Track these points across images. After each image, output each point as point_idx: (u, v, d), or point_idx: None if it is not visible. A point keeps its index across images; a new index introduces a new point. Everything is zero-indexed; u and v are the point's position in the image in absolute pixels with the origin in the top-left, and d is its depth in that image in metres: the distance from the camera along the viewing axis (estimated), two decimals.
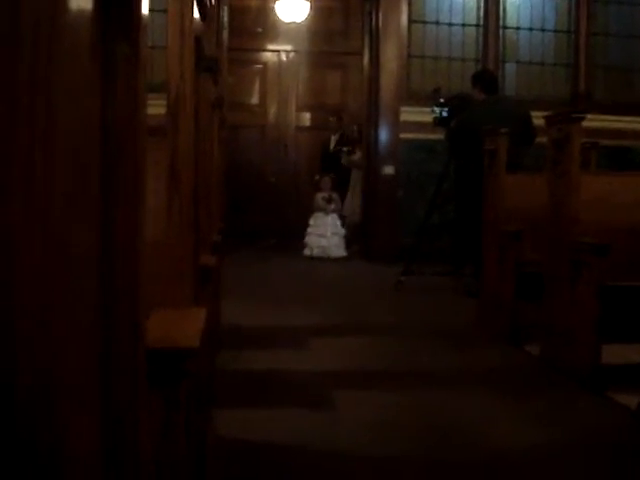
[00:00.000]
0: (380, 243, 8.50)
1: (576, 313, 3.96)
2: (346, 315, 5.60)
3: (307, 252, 8.97)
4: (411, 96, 8.51)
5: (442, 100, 6.91)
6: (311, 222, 9.11)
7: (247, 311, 5.47)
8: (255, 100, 10.19)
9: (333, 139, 9.82)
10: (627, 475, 2.81)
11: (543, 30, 8.95)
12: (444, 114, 6.81)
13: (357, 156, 9.44)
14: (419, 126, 7.97)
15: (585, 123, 4.13)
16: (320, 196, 9.09)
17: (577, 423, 3.31)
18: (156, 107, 1.60)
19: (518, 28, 8.91)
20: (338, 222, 9.14)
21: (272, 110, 10.10)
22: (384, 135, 8.66)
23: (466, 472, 2.81)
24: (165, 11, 1.76)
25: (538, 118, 6.20)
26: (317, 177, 9.35)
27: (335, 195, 9.14)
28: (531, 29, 8.93)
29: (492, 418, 3.38)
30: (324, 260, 8.78)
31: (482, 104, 6.48)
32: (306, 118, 9.81)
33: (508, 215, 4.98)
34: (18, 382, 0.49)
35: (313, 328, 5.09)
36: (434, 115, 6.88)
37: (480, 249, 5.46)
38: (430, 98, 7.07)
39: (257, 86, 10.18)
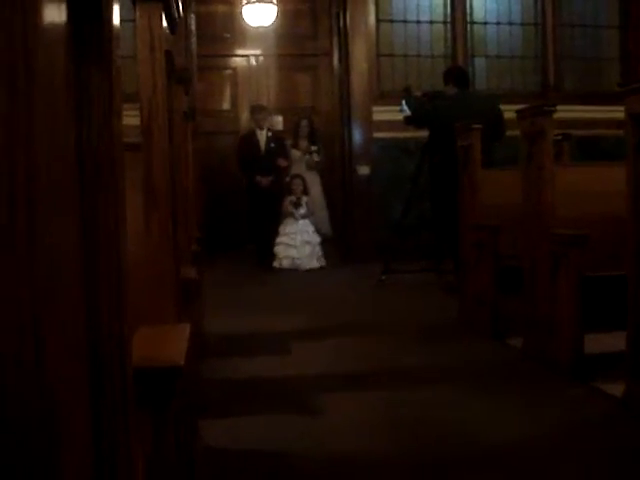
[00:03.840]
0: (358, 243, 8.50)
1: (557, 305, 3.99)
2: (328, 317, 5.59)
3: (276, 264, 8.21)
4: (382, 95, 8.53)
5: (416, 94, 6.92)
6: (280, 230, 8.32)
7: (230, 319, 5.45)
8: (227, 106, 10.16)
9: (263, 136, 8.67)
10: (618, 464, 2.82)
11: (510, 24, 9.01)
12: (410, 111, 6.83)
13: (320, 156, 8.81)
14: (392, 125, 7.98)
15: (556, 114, 4.16)
16: (289, 200, 8.31)
17: (565, 415, 3.33)
18: (127, 118, 1.59)
19: (485, 23, 8.95)
20: (310, 228, 8.30)
21: (244, 115, 10.07)
22: (357, 135, 8.67)
23: (458, 468, 2.82)
24: (132, 21, 1.75)
25: (509, 112, 6.24)
26: (287, 179, 8.52)
27: (306, 198, 8.32)
28: (498, 23, 8.98)
29: (480, 413, 3.39)
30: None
31: (454, 98, 6.51)
32: (279, 121, 9.78)
33: (485, 210, 5.00)
34: (7, 401, 0.49)
35: (296, 332, 5.08)
36: (404, 114, 6.90)
37: (458, 244, 5.49)
38: (401, 97, 7.08)
39: (228, 92, 10.15)
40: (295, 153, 8.82)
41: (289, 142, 8.90)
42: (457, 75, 6.82)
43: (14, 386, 0.49)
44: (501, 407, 3.47)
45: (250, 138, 8.73)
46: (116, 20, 0.79)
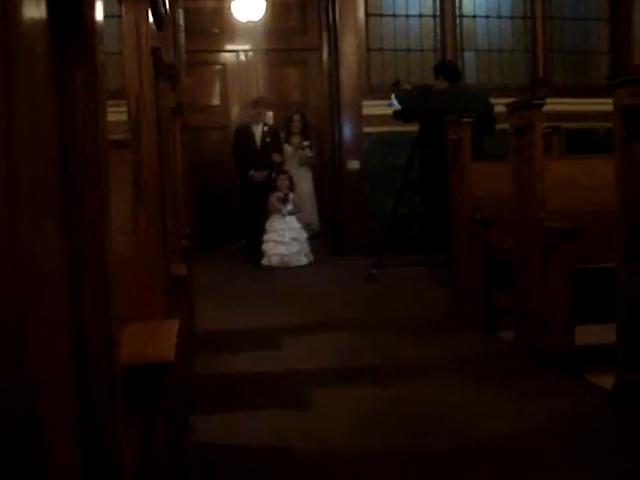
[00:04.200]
0: (349, 238, 8.49)
1: (548, 297, 4.00)
2: (319, 312, 5.59)
3: (265, 261, 8.05)
4: (372, 90, 8.52)
5: (406, 88, 6.93)
6: (267, 227, 8.16)
7: (220, 315, 5.44)
8: (216, 101, 10.14)
9: (259, 130, 8.54)
10: (609, 456, 2.84)
11: (499, 17, 9.00)
12: (399, 105, 6.83)
13: (313, 151, 8.71)
14: (382, 119, 7.97)
15: (546, 108, 4.17)
16: (275, 196, 8.13)
17: (556, 407, 3.34)
18: (114, 114, 1.58)
19: (475, 16, 8.95)
20: (297, 225, 8.17)
21: (234, 110, 10.05)
22: (347, 130, 8.66)
23: (451, 460, 2.83)
24: (117, 17, 1.74)
25: (499, 105, 6.25)
26: (273, 175, 8.31)
27: (292, 195, 8.17)
28: (488, 16, 8.97)
29: (472, 406, 3.40)
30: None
31: (444, 92, 6.52)
32: (269, 116, 9.76)
33: (475, 203, 5.00)
34: None
35: (287, 328, 5.08)
36: (393, 109, 6.89)
37: (449, 238, 5.49)
38: (390, 91, 7.07)
39: (217, 87, 10.12)
40: (287, 148, 8.68)
41: (282, 136, 8.74)
42: (448, 69, 6.83)
43: None
44: (493, 400, 3.48)
45: (245, 132, 8.61)
46: (99, 17, 0.79)
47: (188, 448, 2.41)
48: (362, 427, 3.18)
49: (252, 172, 8.33)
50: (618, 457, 2.82)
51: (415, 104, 6.74)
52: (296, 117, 8.77)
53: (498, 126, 6.29)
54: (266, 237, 8.13)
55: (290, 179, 8.25)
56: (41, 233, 0.55)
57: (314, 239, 8.52)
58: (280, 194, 8.12)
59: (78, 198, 0.74)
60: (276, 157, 8.46)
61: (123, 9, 1.55)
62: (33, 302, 0.52)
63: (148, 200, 1.67)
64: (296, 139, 8.71)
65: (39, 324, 0.54)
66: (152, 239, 1.65)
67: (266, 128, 8.59)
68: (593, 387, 3.57)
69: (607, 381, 3.46)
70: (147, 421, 1.27)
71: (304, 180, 8.70)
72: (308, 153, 8.66)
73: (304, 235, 8.21)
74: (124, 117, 1.74)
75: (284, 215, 8.11)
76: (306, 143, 8.64)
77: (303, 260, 8.10)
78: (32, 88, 0.54)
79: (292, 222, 8.14)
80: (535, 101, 4.13)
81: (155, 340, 1.32)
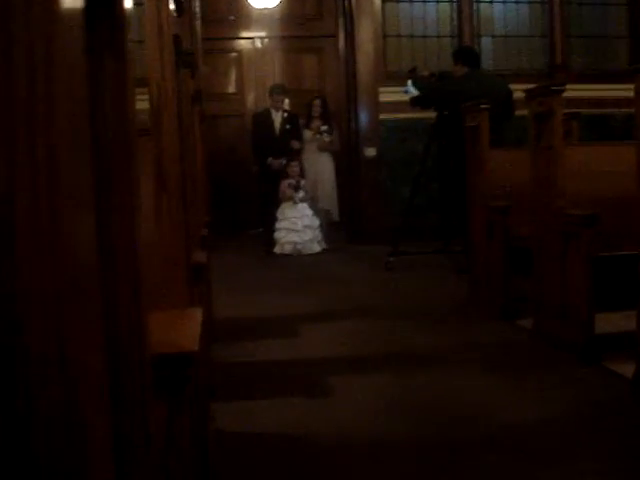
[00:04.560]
0: (366, 225, 8.47)
1: (568, 285, 3.97)
2: (337, 300, 5.59)
3: (277, 249, 8.00)
4: (389, 76, 8.47)
5: (423, 74, 6.89)
6: (279, 215, 8.07)
7: (235, 302, 5.45)
8: (232, 89, 10.14)
9: (278, 117, 8.47)
10: (630, 445, 2.82)
11: (517, 2, 8.93)
12: (415, 92, 6.79)
13: (333, 136, 8.57)
14: (398, 106, 7.92)
15: (564, 93, 4.13)
16: (286, 183, 8.05)
17: (577, 395, 3.33)
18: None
19: (492, 2, 8.88)
20: (309, 212, 8.09)
21: (250, 98, 10.05)
22: (364, 117, 8.63)
23: (471, 449, 2.82)
24: (139, 4, 1.73)
25: (517, 91, 6.21)
26: (284, 162, 8.19)
27: (303, 182, 8.10)
28: (505, 2, 8.90)
29: (492, 395, 3.39)
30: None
31: (465, 78, 6.48)
32: (286, 103, 9.74)
33: (494, 191, 4.97)
34: (34, 390, 0.49)
35: (305, 315, 5.08)
36: (409, 96, 6.85)
37: (467, 225, 5.47)
38: (407, 78, 7.02)
39: (233, 74, 10.12)
40: (307, 133, 8.55)
41: (301, 122, 8.61)
42: (467, 55, 6.79)
43: (39, 384, 0.49)
44: (513, 388, 3.47)
45: (265, 118, 8.51)
46: (128, 3, 0.78)
47: (209, 436, 2.41)
48: (382, 415, 3.18)
49: (270, 159, 8.25)
50: (638, 446, 2.81)
51: (433, 90, 6.71)
52: (317, 102, 8.64)
53: (517, 112, 6.25)
54: (278, 225, 8.07)
55: (301, 166, 8.16)
56: (78, 223, 0.55)
57: (330, 226, 8.50)
58: (292, 181, 8.05)
59: (109, 187, 0.73)
60: (294, 144, 8.36)
61: None
62: (71, 294, 0.52)
63: (170, 188, 1.67)
64: (316, 123, 8.57)
65: (76, 316, 0.54)
66: (174, 227, 1.65)
67: (286, 114, 8.50)
68: (613, 375, 3.55)
69: (627, 369, 3.43)
70: (172, 410, 1.27)
71: (325, 166, 8.58)
72: (326, 138, 8.51)
73: (316, 222, 8.14)
74: (143, 105, 1.74)
75: (296, 202, 8.03)
76: (324, 127, 8.49)
77: (316, 248, 8.06)
78: (69, 74, 0.53)
79: (304, 209, 8.07)
80: (554, 87, 4.09)
81: (179, 329, 1.32)
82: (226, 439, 2.93)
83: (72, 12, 0.53)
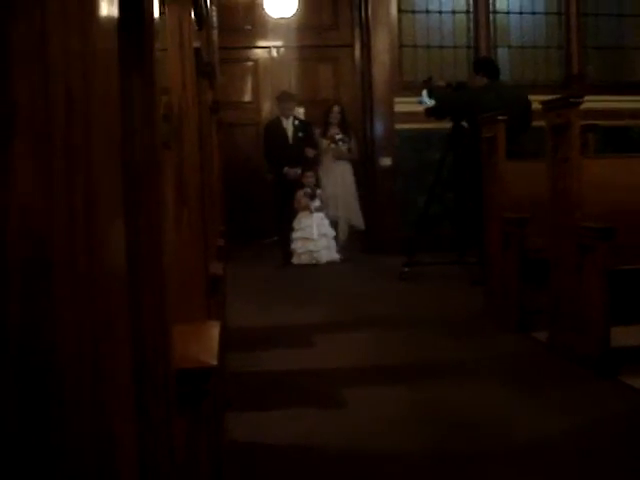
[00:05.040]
0: (382, 235, 8.46)
1: (583, 298, 3.95)
2: (351, 310, 5.57)
3: (295, 260, 7.96)
4: (405, 86, 8.46)
5: (440, 84, 6.89)
6: (295, 225, 8.04)
7: (249, 311, 5.45)
8: (248, 97, 10.15)
9: (289, 125, 8.38)
10: None
11: (534, 13, 8.92)
12: (430, 102, 6.78)
13: (351, 145, 8.37)
14: (414, 116, 7.91)
15: (581, 105, 4.11)
16: (302, 193, 8.01)
17: (593, 410, 3.30)
18: None
19: (508, 12, 8.88)
20: (326, 221, 8.04)
21: (266, 107, 10.06)
22: (379, 127, 8.63)
23: (487, 463, 2.80)
24: (160, 14, 1.74)
25: (533, 102, 6.21)
26: (299, 171, 8.09)
27: (319, 191, 8.05)
28: (521, 12, 8.90)
29: (507, 408, 3.37)
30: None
31: (485, 89, 6.49)
32: (300, 113, 9.75)
33: (510, 202, 4.95)
34: (66, 395, 0.50)
35: (319, 325, 5.07)
36: (424, 106, 6.85)
37: (482, 237, 5.45)
38: (421, 88, 7.02)
39: (249, 83, 10.13)
40: (323, 142, 8.37)
41: (317, 130, 8.44)
42: (488, 66, 6.82)
43: (72, 405, 0.49)
44: (528, 402, 3.45)
45: (276, 127, 8.42)
46: (156, 15, 0.78)
47: (224, 447, 2.41)
48: (396, 427, 3.17)
49: (286, 169, 8.17)
50: None
51: (450, 101, 6.71)
52: (335, 108, 8.46)
53: (533, 123, 6.24)
54: (294, 235, 8.03)
55: (316, 176, 8.08)
56: (110, 234, 0.55)
57: (350, 237, 8.43)
58: (308, 190, 8.00)
59: (138, 199, 0.73)
60: (309, 152, 8.24)
61: (167, 10, 1.55)
62: (102, 304, 0.52)
63: (190, 199, 1.67)
64: (334, 131, 8.38)
65: (107, 326, 0.54)
66: (194, 239, 1.65)
67: (297, 122, 8.42)
68: (630, 389, 3.53)
69: None
70: (191, 424, 1.27)
71: (344, 175, 8.39)
72: (342, 146, 8.34)
73: (332, 232, 8.08)
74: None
75: (312, 212, 7.99)
76: (339, 136, 8.32)
77: (334, 256, 8.00)
78: (104, 86, 0.54)
79: (320, 218, 8.03)
80: (572, 99, 4.08)
81: (198, 342, 1.32)
82: (240, 450, 2.92)
83: (109, 22, 0.53)
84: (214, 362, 1.19)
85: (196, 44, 1.84)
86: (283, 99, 8.49)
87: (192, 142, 1.71)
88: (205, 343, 1.32)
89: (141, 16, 0.72)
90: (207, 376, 1.18)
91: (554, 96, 4.35)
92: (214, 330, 1.43)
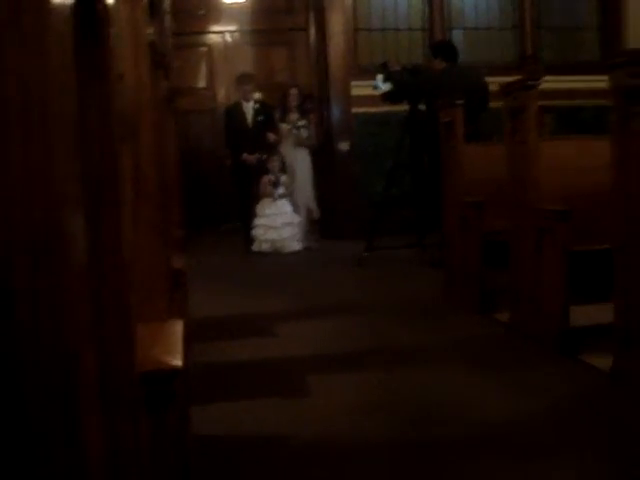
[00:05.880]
0: (341, 221, 8.44)
1: (543, 279, 3.99)
2: (311, 297, 5.56)
3: (255, 247, 7.80)
4: (361, 70, 8.44)
5: (396, 69, 6.86)
6: (258, 211, 7.86)
7: (211, 301, 5.40)
8: (203, 84, 10.05)
9: (249, 108, 8.18)
10: (609, 438, 2.83)
11: None
12: (384, 87, 6.77)
13: (311, 131, 8.14)
14: (371, 100, 7.88)
15: None
16: (266, 179, 7.82)
17: (554, 389, 3.34)
18: None
19: None
20: (289, 209, 7.86)
21: (221, 93, 9.97)
22: (336, 111, 8.59)
23: (451, 446, 2.82)
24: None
25: (489, 84, 6.24)
26: (264, 157, 7.88)
27: (284, 178, 7.85)
28: None
29: (470, 390, 3.39)
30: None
31: (443, 72, 6.50)
32: (256, 96, 9.66)
33: (469, 185, 4.97)
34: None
35: (280, 314, 5.05)
36: (379, 91, 6.83)
37: (442, 219, 5.47)
38: (376, 72, 6.99)
39: (204, 69, 10.03)
40: (284, 127, 8.09)
41: (276, 116, 8.17)
42: (447, 49, 6.84)
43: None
44: (490, 384, 3.47)
45: (236, 110, 8.25)
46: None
47: (190, 442, 2.39)
48: (361, 414, 3.17)
49: (245, 155, 8.03)
50: (619, 439, 2.83)
51: (406, 85, 6.70)
52: (293, 91, 8.12)
53: (491, 104, 6.28)
54: (257, 221, 7.87)
55: (282, 161, 7.91)
56: (70, 228, 0.54)
57: (311, 223, 8.35)
58: (271, 177, 7.84)
59: (98, 196, 0.71)
60: (270, 136, 8.05)
61: (120, 3, 1.50)
62: (71, 303, 0.51)
63: (148, 192, 1.64)
64: (293, 117, 8.10)
65: (76, 326, 0.52)
66: (153, 234, 1.62)
67: (257, 105, 8.24)
68: (590, 368, 3.57)
69: (603, 362, 3.46)
70: (156, 424, 1.24)
71: (302, 163, 8.16)
72: (303, 133, 8.11)
73: (297, 219, 7.94)
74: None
75: (275, 199, 7.84)
76: (301, 122, 8.05)
77: (295, 246, 7.86)
78: (61, 74, 0.52)
79: (284, 206, 7.87)
80: (529, 82, 4.09)
81: (162, 343, 1.29)
82: (205, 443, 2.90)
83: (63, 9, 0.51)
84: (179, 363, 1.17)
85: (149, 31, 1.80)
86: (243, 81, 8.31)
87: (149, 134, 1.67)
88: (169, 344, 1.29)
89: (95, 2, 0.69)
90: (172, 378, 1.16)
91: (509, 77, 4.38)
92: (178, 329, 1.40)
